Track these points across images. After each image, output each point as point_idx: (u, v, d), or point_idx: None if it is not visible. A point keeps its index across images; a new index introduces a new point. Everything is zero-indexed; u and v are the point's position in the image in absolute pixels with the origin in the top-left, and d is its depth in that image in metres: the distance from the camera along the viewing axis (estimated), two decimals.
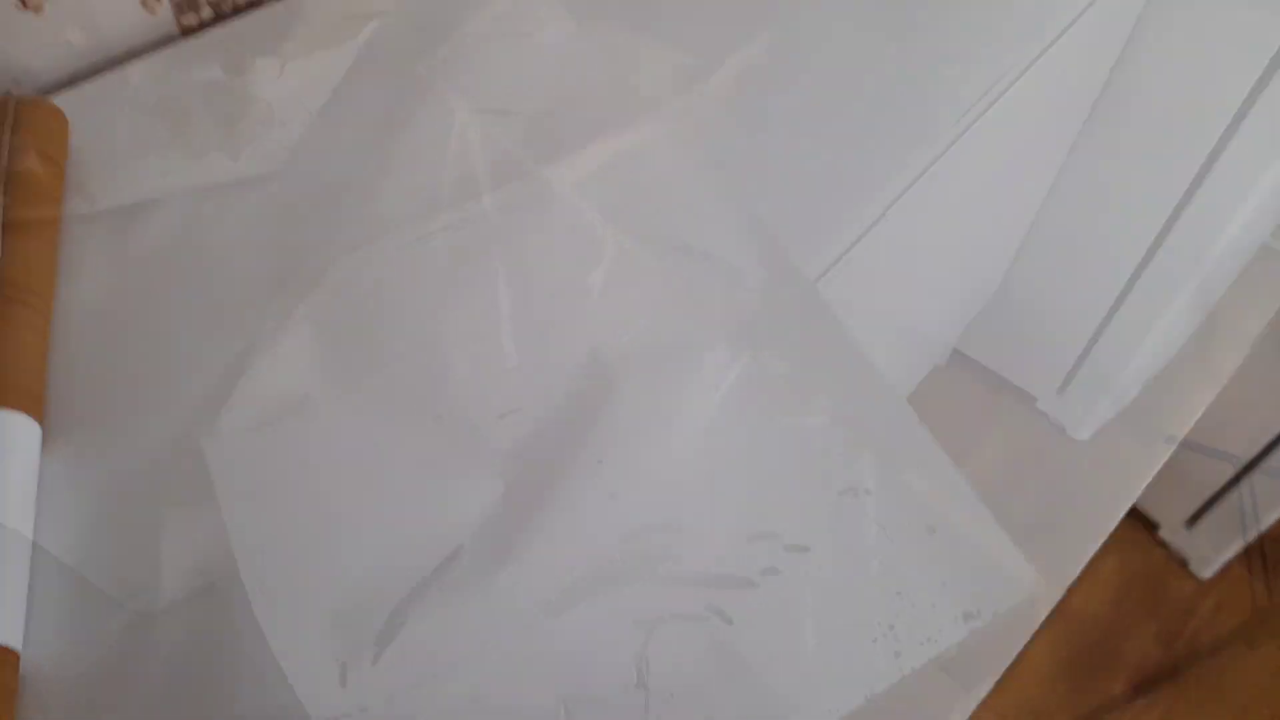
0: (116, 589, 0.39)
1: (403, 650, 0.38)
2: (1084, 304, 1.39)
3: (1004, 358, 1.61)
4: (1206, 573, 1.46)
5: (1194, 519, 1.43)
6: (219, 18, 0.62)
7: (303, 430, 0.43)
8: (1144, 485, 1.52)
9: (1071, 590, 1.49)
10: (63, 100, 0.54)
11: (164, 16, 0.60)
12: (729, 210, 0.53)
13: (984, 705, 1.33)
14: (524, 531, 0.41)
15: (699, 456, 0.45)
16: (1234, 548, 1.41)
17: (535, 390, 0.46)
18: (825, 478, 0.45)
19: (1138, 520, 1.51)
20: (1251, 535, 1.47)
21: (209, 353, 0.46)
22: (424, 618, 0.39)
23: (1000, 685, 1.44)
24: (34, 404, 0.42)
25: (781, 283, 0.50)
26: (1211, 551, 1.43)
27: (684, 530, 0.43)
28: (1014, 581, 0.43)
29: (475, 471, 0.43)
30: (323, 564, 0.39)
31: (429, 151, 0.52)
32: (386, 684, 0.37)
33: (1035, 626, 1.10)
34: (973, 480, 1.51)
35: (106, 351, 0.46)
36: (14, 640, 0.36)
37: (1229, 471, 1.34)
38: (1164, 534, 1.49)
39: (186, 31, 0.61)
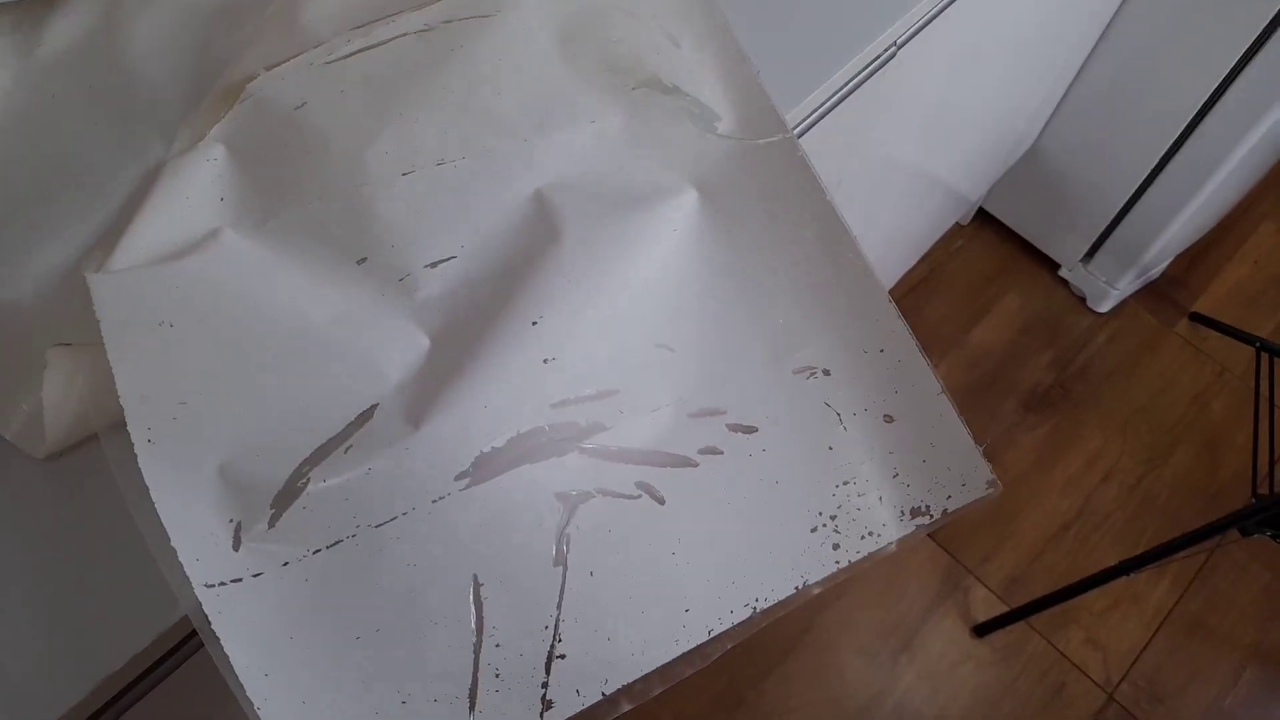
0: (12, 435, 0.37)
1: (302, 514, 0.35)
2: (1121, 170, 1.31)
3: (1030, 221, 1.53)
4: (1104, 307, 1.48)
5: (1089, 254, 1.44)
6: None
7: (207, 268, 0.38)
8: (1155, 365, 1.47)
9: (974, 327, 1.50)
10: None
11: None
12: (710, 40, 0.46)
13: None
14: (445, 393, 0.38)
15: (645, 319, 0.41)
16: (1129, 282, 1.42)
17: (471, 235, 0.41)
18: (781, 354, 0.41)
19: (1040, 260, 1.51)
20: (1150, 270, 1.47)
21: (113, 173, 0.42)
22: (328, 480, 0.36)
23: None
24: None
25: (757, 131, 0.44)
26: (1107, 286, 1.44)
27: (621, 401, 0.40)
28: (969, 480, 0.40)
29: (400, 324, 0.39)
30: (219, 417, 0.35)
31: None
32: (283, 548, 0.35)
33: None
34: (982, 342, 1.49)
35: (3, 166, 0.41)
36: None
37: (1119, 205, 1.33)
38: (1063, 272, 1.49)
39: None
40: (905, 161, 0.95)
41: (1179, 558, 1.29)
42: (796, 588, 0.39)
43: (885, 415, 0.41)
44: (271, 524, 0.35)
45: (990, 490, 0.40)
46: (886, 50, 0.59)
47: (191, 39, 0.46)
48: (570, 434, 0.39)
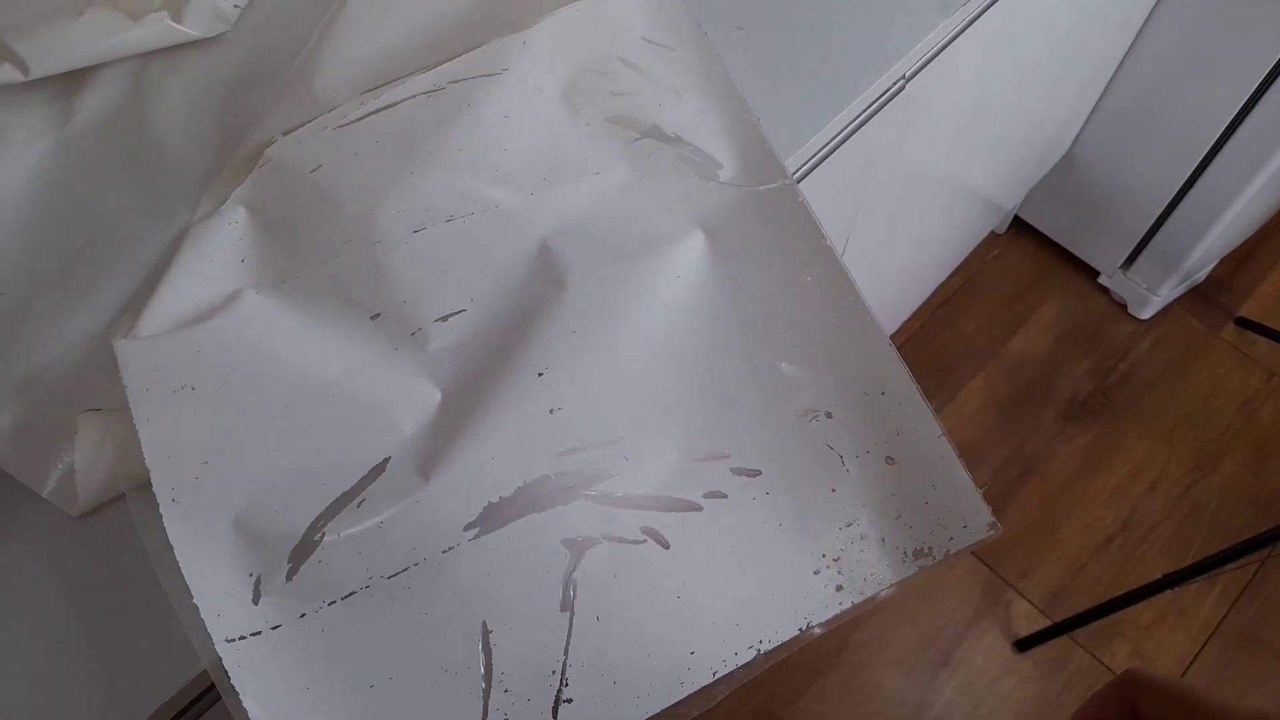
0: (49, 493, 0.39)
1: (318, 566, 0.37)
2: (1159, 174, 1.29)
3: (1067, 228, 1.51)
4: (1145, 313, 1.44)
5: (1129, 261, 1.40)
6: None
7: (228, 330, 0.40)
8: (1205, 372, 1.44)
9: (1011, 337, 1.47)
10: None
11: None
12: (711, 90, 0.47)
13: None
14: (455, 445, 0.39)
15: (651, 366, 0.42)
16: (1171, 287, 1.39)
17: (480, 288, 0.43)
18: (783, 397, 0.42)
19: (1078, 268, 1.47)
20: (1193, 275, 1.44)
21: (141, 240, 0.44)
22: (342, 533, 0.37)
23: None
24: None
25: (758, 178, 0.45)
26: (1148, 292, 1.40)
27: (627, 448, 0.41)
28: (970, 522, 0.40)
29: (411, 379, 0.41)
30: (239, 472, 0.37)
31: (379, 18, 0.47)
32: (300, 601, 0.36)
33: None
34: (1020, 352, 1.48)
35: (34, 235, 0.44)
36: None
37: (1158, 210, 1.31)
38: (1103, 279, 1.46)
39: None
40: (933, 174, 0.95)
41: (1228, 570, 1.26)
42: (800, 629, 0.40)
43: (888, 457, 0.41)
44: (289, 577, 0.36)
45: (991, 533, 0.40)
46: (895, 84, 0.59)
47: (213, 106, 0.48)
48: (576, 482, 0.40)
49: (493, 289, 0.43)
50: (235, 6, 0.51)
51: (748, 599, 0.40)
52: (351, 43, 0.47)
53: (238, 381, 0.39)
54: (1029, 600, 1.27)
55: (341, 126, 0.44)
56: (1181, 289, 1.49)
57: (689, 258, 0.44)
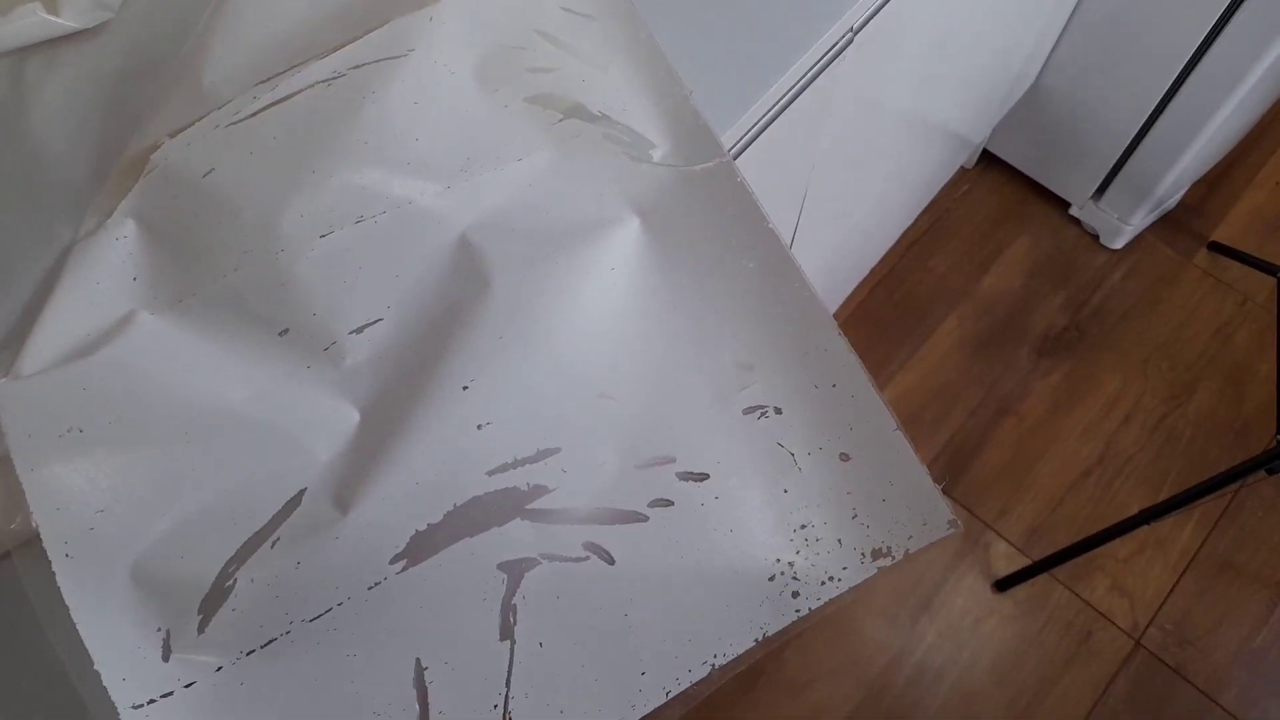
0: None
1: (232, 615, 0.34)
2: (1128, 101, 1.25)
3: (1037, 161, 1.48)
4: (1118, 243, 1.42)
5: (1100, 191, 1.39)
6: None
7: (119, 359, 0.37)
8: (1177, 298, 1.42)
9: (983, 275, 1.46)
10: None
11: None
12: (639, 63, 0.44)
13: (892, 385, 1.33)
14: (375, 470, 0.36)
15: (584, 369, 0.39)
16: (1143, 216, 1.37)
17: (397, 293, 0.39)
18: (729, 394, 0.39)
19: (1049, 200, 1.46)
20: (1165, 201, 1.42)
21: (22, 261, 0.40)
22: (256, 577, 0.35)
23: (906, 365, 1.45)
24: None
25: (692, 157, 0.42)
26: (1120, 222, 1.39)
27: (564, 460, 0.38)
28: (930, 519, 0.38)
29: (326, 400, 0.38)
30: (138, 519, 0.34)
31: (269, 0, 0.43)
32: (215, 654, 0.34)
33: None
34: (993, 289, 1.46)
35: None
36: None
37: (1128, 138, 1.28)
38: (1074, 211, 1.44)
39: None
40: (894, 116, 0.91)
41: (1204, 502, 1.26)
42: (756, 640, 0.38)
43: (841, 454, 0.39)
44: (201, 629, 0.34)
45: (951, 530, 0.38)
46: (843, 37, 0.55)
47: (98, 106, 0.44)
48: (511, 500, 0.37)
49: (411, 294, 0.40)
50: None
51: (699, 612, 0.38)
52: (242, 29, 0.43)
53: (131, 418, 0.36)
54: (1007, 540, 1.27)
55: (233, 124, 0.41)
56: (1153, 217, 1.47)
57: (622, 247, 0.41)
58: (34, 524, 0.33)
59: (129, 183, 0.40)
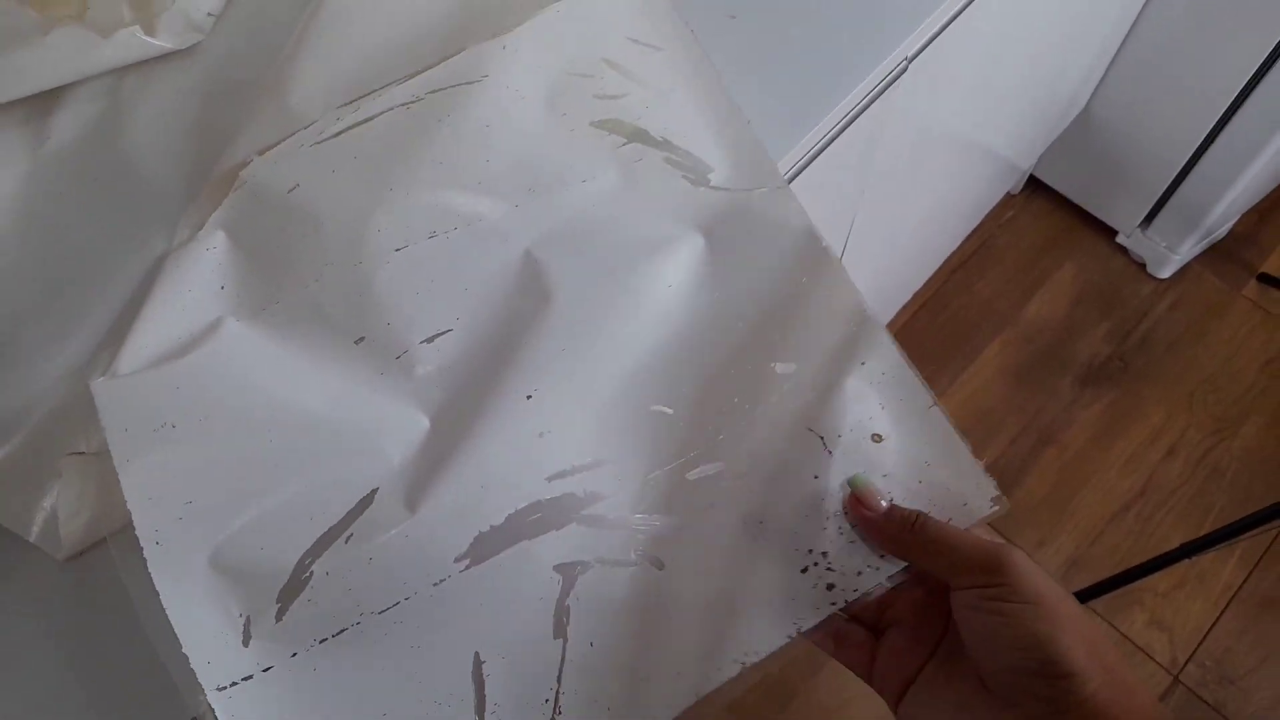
0: (34, 537, 0.39)
1: (308, 605, 0.36)
2: (1178, 129, 1.25)
3: (1085, 188, 1.47)
4: (1165, 273, 1.40)
5: (1148, 219, 1.38)
6: None
7: (208, 362, 0.39)
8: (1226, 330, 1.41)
9: (1028, 301, 1.44)
10: None
11: None
12: (701, 91, 0.46)
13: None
14: (442, 473, 0.38)
15: (641, 382, 0.40)
16: (1192, 245, 1.37)
17: (466, 306, 0.41)
18: (769, 393, 0.40)
19: (1096, 227, 1.45)
20: (1214, 231, 1.41)
21: (120, 267, 0.43)
22: (330, 570, 0.37)
23: (949, 391, 1.40)
24: None
25: (750, 181, 0.43)
26: (1168, 251, 1.39)
27: (618, 469, 0.40)
28: (972, 499, 0.38)
29: (398, 406, 0.40)
30: (224, 511, 0.36)
31: (354, 25, 0.45)
32: (291, 641, 0.36)
33: None
34: (1038, 316, 1.45)
35: (12, 266, 0.43)
36: None
37: (1178, 166, 1.27)
38: (1121, 238, 1.43)
39: None
40: (944, 142, 0.92)
41: (1247, 537, 1.25)
42: (789, 637, 0.38)
43: (874, 434, 0.39)
44: (279, 617, 0.36)
45: (995, 508, 0.38)
46: (898, 66, 0.57)
47: (189, 122, 0.47)
48: (568, 506, 0.39)
49: (479, 306, 0.41)
50: (209, 15, 0.49)
51: (733, 611, 0.38)
52: (326, 52, 0.45)
53: (219, 416, 0.38)
54: (1046, 570, 1.26)
55: (318, 143, 0.43)
56: (1202, 246, 1.46)
57: (680, 266, 0.42)
58: (128, 512, 0.35)
59: (220, 196, 0.42)
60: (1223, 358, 1.40)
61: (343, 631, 0.36)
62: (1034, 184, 1.51)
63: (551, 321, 0.41)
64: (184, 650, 0.34)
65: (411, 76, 0.44)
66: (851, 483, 0.39)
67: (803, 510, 0.39)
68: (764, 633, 0.38)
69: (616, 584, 0.39)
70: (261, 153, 0.43)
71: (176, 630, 0.34)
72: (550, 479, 0.39)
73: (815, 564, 0.38)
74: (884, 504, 0.38)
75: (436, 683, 0.37)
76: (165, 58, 0.49)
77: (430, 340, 0.41)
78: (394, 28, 0.46)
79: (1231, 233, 1.50)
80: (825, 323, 0.41)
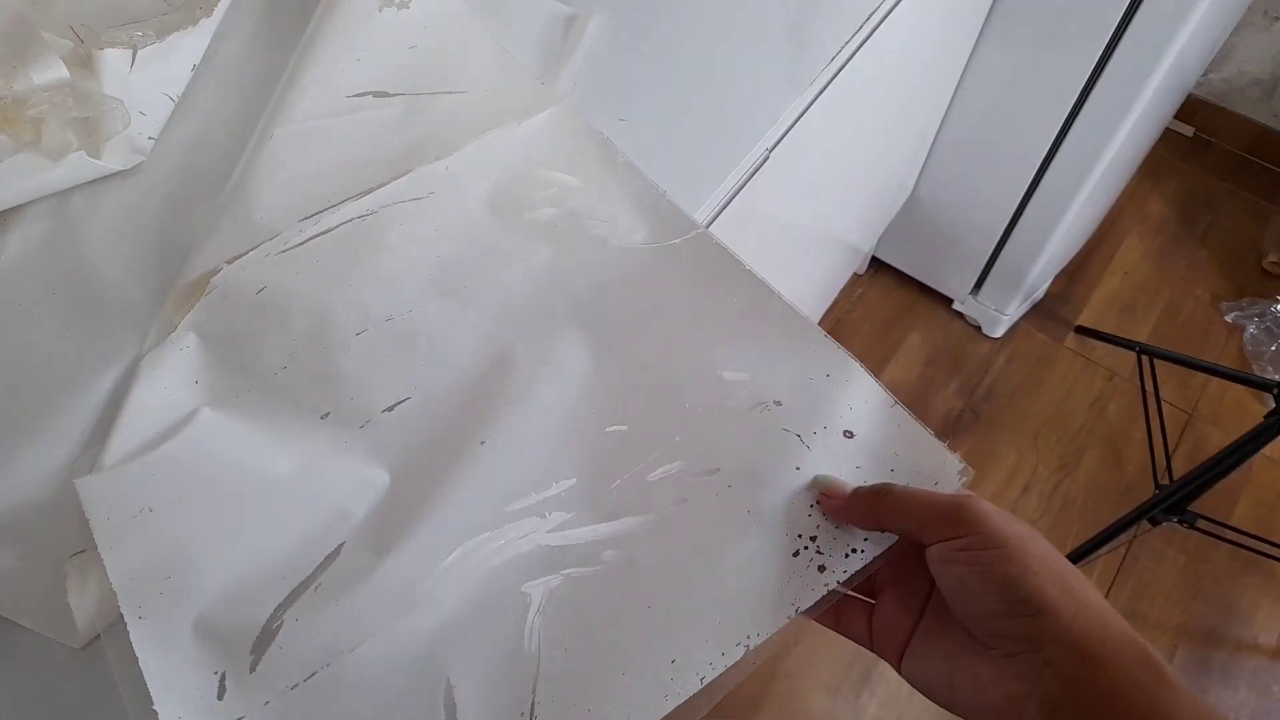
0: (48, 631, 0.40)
1: (279, 653, 0.38)
2: (993, 204, 1.42)
3: (920, 263, 1.64)
4: (997, 332, 1.61)
5: (978, 286, 1.58)
6: None
7: (184, 448, 0.41)
8: (1051, 378, 1.57)
9: (884, 368, 1.58)
10: None
11: None
12: (619, 175, 0.52)
13: None
14: (406, 522, 0.41)
15: (594, 411, 0.44)
16: (1017, 305, 1.57)
17: (423, 376, 0.45)
18: (730, 400, 0.44)
19: (934, 297, 1.65)
20: (1034, 291, 1.60)
21: (94, 371, 0.45)
22: (301, 619, 0.39)
23: None
24: None
25: (671, 234, 0.50)
26: (997, 313, 1.59)
27: (580, 488, 0.43)
28: (941, 476, 0.41)
29: (360, 466, 0.43)
30: (200, 581, 0.39)
31: (305, 151, 0.50)
32: (264, 689, 0.38)
33: None
34: (894, 381, 1.56)
35: None
36: None
37: (997, 237, 1.47)
38: (956, 305, 1.62)
39: None
40: (799, 227, 1.03)
41: (1102, 554, 1.37)
42: (789, 616, 0.39)
43: (845, 431, 0.43)
44: (253, 669, 0.38)
45: (963, 478, 0.41)
46: (761, 156, 0.66)
47: (140, 234, 0.50)
48: (530, 530, 0.42)
49: (434, 374, 0.46)
50: (149, 139, 0.53)
51: (727, 596, 0.40)
52: (283, 173, 0.50)
53: (193, 495, 0.41)
54: None
55: (283, 252, 0.47)
56: (1025, 306, 1.64)
57: (620, 312, 0.47)
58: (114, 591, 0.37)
59: (190, 301, 0.46)
60: (1057, 401, 1.56)
61: (314, 675, 0.38)
62: (876, 263, 1.67)
63: (506, 380, 0.45)
64: (155, 707, 0.36)
65: (365, 193, 0.50)
66: (815, 484, 0.42)
67: (788, 499, 0.41)
68: (764, 614, 0.39)
69: (587, 589, 0.40)
70: (230, 261, 0.47)
71: (150, 689, 0.36)
72: (512, 511, 0.42)
73: (805, 548, 0.40)
74: (849, 488, 0.40)
75: (407, 713, 0.38)
76: (109, 178, 0.52)
77: (390, 409, 0.45)
78: (344, 155, 0.52)
79: (1048, 293, 1.69)
80: (771, 337, 0.46)
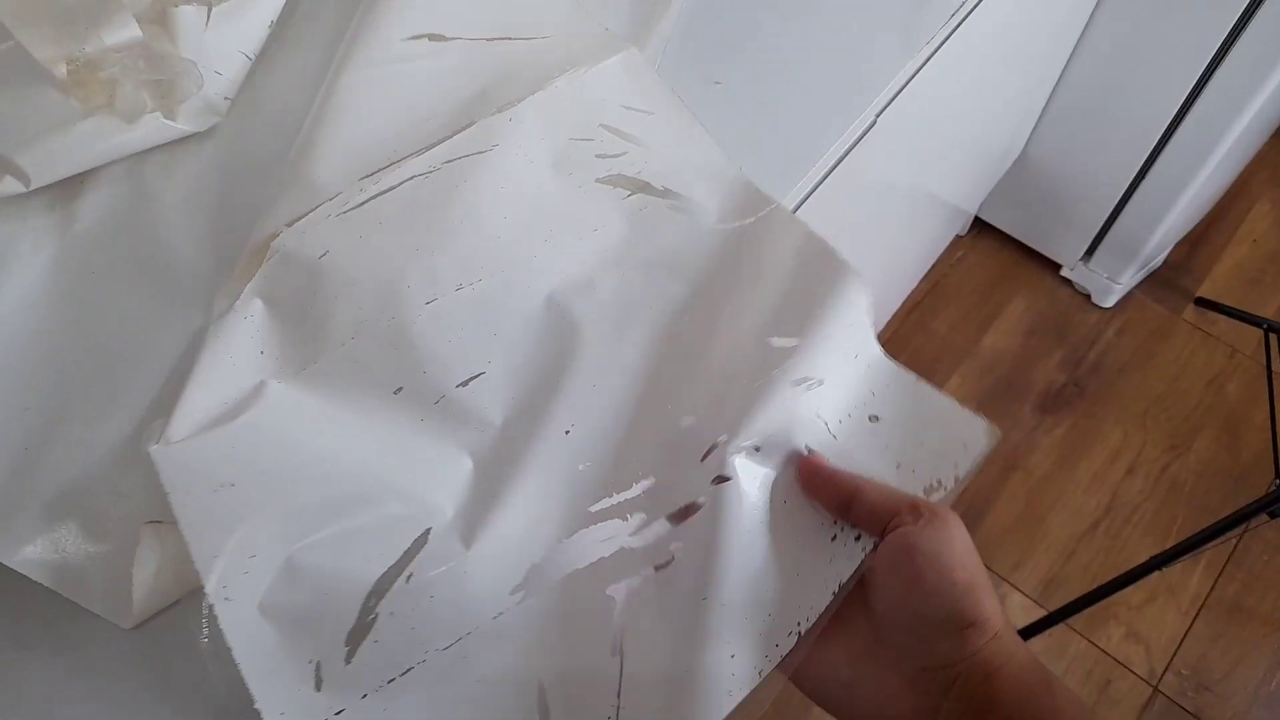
0: (99, 608, 0.40)
1: (374, 646, 0.37)
2: (1111, 166, 1.33)
3: (1028, 226, 1.55)
4: (1109, 302, 1.50)
5: (1089, 252, 1.48)
6: None
7: (258, 423, 0.41)
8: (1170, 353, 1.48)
9: (983, 335, 1.51)
10: None
11: None
12: (691, 146, 0.49)
13: None
14: (491, 512, 0.40)
15: (669, 397, 0.43)
16: (1132, 274, 1.46)
17: (495, 350, 0.44)
18: (777, 366, 0.42)
19: (1041, 262, 1.55)
20: (1151, 260, 1.50)
21: (157, 340, 0.45)
22: (396, 610, 0.38)
23: None
24: None
25: (745, 213, 0.47)
26: (1110, 281, 1.48)
27: (658, 488, 0.41)
28: (969, 441, 0.41)
29: (440, 448, 0.42)
30: (285, 563, 0.38)
31: (367, 105, 0.49)
32: (361, 682, 0.37)
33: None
34: (993, 348, 1.52)
35: (53, 346, 0.45)
36: None
37: (1113, 202, 1.37)
38: (1065, 272, 1.52)
39: None
40: (901, 190, 0.98)
41: (1210, 547, 1.30)
42: (833, 593, 0.38)
43: (870, 416, 0.42)
44: (348, 660, 0.37)
45: (990, 439, 0.41)
46: (870, 123, 0.62)
47: (211, 199, 0.49)
48: (614, 533, 0.41)
49: (509, 349, 0.44)
50: (226, 99, 0.52)
51: (774, 585, 0.39)
52: (344, 131, 0.48)
53: (274, 472, 0.40)
54: (1023, 592, 1.30)
55: (344, 213, 0.46)
56: (1141, 275, 1.54)
57: (691, 290, 0.46)
58: (197, 575, 0.37)
59: (253, 268, 0.45)
60: (1170, 378, 1.47)
61: (409, 671, 0.38)
62: (980, 225, 1.59)
63: (581, 360, 0.43)
64: (256, 705, 0.35)
65: (426, 149, 0.47)
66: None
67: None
68: (809, 596, 0.38)
69: (662, 587, 0.40)
70: (290, 224, 0.45)
71: (248, 682, 0.35)
72: (594, 509, 0.41)
73: (841, 531, 0.40)
74: (828, 467, 0.40)
75: (503, 715, 0.38)
76: (184, 140, 0.51)
77: (465, 384, 0.43)
78: (404, 106, 0.50)
79: (1167, 262, 1.59)
80: (824, 306, 0.43)
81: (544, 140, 0.49)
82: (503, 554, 0.39)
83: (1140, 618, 1.28)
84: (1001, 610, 0.35)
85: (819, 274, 0.44)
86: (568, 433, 0.42)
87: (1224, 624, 1.28)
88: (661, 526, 0.41)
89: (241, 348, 0.43)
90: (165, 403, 0.43)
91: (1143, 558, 1.14)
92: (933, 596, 0.34)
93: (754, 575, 0.39)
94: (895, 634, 0.35)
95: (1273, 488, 1.20)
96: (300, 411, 0.42)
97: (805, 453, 0.41)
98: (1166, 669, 1.25)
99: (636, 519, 0.41)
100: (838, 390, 0.42)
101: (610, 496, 0.41)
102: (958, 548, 0.35)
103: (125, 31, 0.46)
